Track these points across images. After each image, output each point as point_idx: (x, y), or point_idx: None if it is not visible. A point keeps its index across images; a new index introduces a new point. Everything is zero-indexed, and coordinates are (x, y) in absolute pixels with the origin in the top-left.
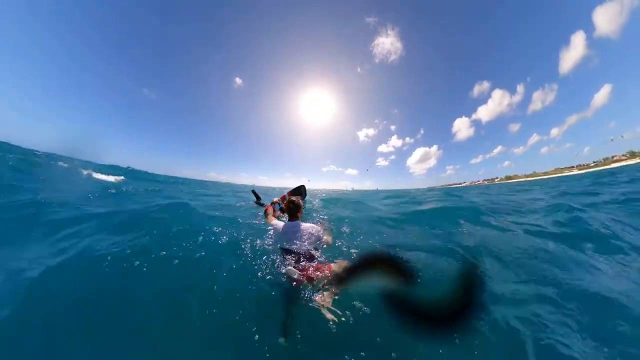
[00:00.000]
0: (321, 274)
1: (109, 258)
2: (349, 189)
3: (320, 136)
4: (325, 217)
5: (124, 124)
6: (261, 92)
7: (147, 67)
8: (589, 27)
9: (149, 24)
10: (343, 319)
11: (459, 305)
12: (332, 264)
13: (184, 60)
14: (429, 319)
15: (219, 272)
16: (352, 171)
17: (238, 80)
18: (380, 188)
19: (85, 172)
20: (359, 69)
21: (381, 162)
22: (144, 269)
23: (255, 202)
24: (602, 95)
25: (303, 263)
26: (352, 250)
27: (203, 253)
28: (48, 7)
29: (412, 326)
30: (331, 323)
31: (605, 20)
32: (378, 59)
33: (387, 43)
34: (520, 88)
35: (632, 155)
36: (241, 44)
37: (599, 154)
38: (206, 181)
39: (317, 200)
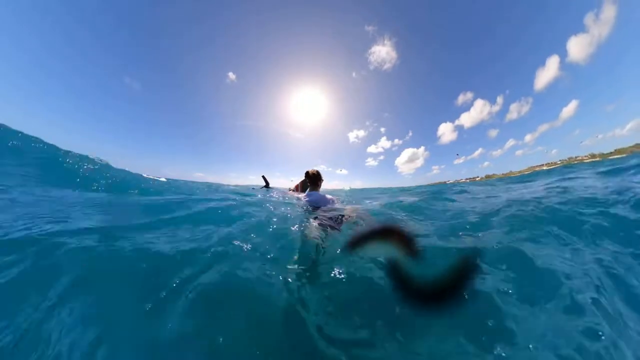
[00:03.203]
0: (344, 219)
1: None
2: (347, 188)
3: (312, 136)
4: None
5: (98, 114)
6: (255, 89)
7: (131, 52)
8: (563, 52)
9: (132, 3)
10: (353, 279)
11: (454, 284)
12: (348, 207)
13: (174, 48)
14: (426, 294)
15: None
16: (342, 171)
17: (232, 75)
18: (369, 187)
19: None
20: (354, 74)
21: (370, 162)
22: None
23: (265, 187)
24: (569, 108)
25: (326, 222)
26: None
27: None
28: None
29: (411, 298)
30: (342, 280)
31: (577, 49)
32: (373, 65)
33: (383, 52)
34: (500, 99)
35: (593, 156)
36: (239, 37)
37: (565, 155)
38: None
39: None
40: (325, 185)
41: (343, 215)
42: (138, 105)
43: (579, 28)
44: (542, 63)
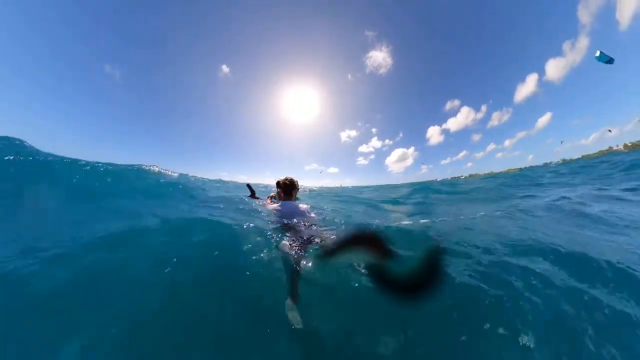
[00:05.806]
0: (317, 240)
1: None
2: (338, 185)
3: (304, 135)
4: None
5: (74, 108)
6: (248, 84)
7: (113, 36)
8: (541, 71)
9: None
10: (336, 286)
11: (428, 275)
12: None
13: (162, 33)
14: (405, 287)
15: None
16: (333, 169)
17: (225, 68)
18: (360, 184)
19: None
20: (349, 76)
21: (361, 161)
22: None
23: (250, 196)
24: (544, 119)
25: (301, 238)
26: (342, 226)
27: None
28: None
29: (392, 294)
30: (326, 288)
31: (553, 70)
32: (369, 69)
33: (380, 57)
34: (483, 107)
35: (564, 161)
36: (235, 28)
37: (539, 160)
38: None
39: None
40: (318, 183)
41: (319, 238)
42: (118, 98)
43: (557, 52)
44: (522, 79)
